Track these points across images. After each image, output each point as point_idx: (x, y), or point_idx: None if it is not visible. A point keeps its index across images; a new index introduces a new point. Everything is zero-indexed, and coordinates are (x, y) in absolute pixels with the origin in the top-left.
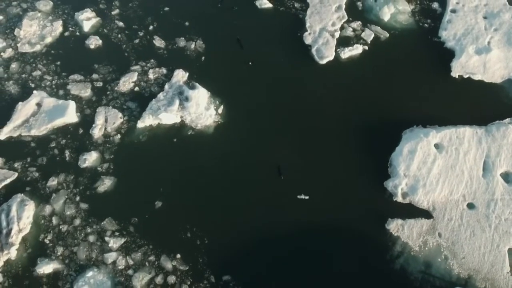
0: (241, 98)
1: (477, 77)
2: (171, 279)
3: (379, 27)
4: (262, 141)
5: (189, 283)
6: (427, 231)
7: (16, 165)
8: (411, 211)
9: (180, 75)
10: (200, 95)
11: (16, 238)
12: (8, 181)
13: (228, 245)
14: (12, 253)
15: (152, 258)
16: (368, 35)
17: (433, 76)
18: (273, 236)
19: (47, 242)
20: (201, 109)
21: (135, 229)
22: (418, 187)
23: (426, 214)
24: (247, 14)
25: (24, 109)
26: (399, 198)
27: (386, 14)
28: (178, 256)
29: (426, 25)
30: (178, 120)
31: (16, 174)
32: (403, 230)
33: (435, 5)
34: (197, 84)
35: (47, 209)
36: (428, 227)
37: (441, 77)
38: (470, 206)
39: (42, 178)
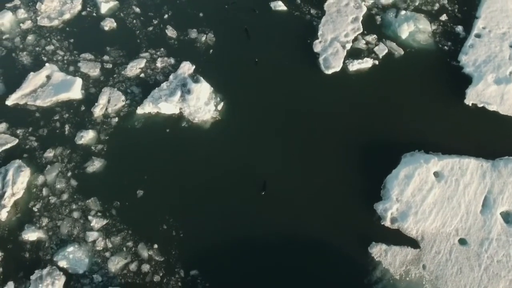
0: (241, 97)
1: (492, 107)
2: (145, 267)
3: (394, 44)
4: (256, 145)
5: (161, 274)
6: (411, 261)
7: (18, 131)
8: (398, 238)
9: (186, 67)
10: (202, 89)
11: (8, 201)
12: (8, 146)
13: (205, 242)
14: (3, 214)
15: (130, 244)
16: (382, 50)
17: (444, 101)
18: (250, 241)
19: (35, 210)
20: (200, 103)
21: (117, 213)
22: (409, 214)
23: (413, 243)
24: (261, 14)
25: (34, 80)
26: (387, 223)
27: (405, 31)
28: (156, 246)
29: (446, 47)
30: (177, 111)
31: (16, 141)
32: (386, 256)
33: (459, 28)
34: (201, 78)
35: (40, 179)
36: (413, 257)
37: (453, 103)
38: (462, 242)
39: (40, 148)
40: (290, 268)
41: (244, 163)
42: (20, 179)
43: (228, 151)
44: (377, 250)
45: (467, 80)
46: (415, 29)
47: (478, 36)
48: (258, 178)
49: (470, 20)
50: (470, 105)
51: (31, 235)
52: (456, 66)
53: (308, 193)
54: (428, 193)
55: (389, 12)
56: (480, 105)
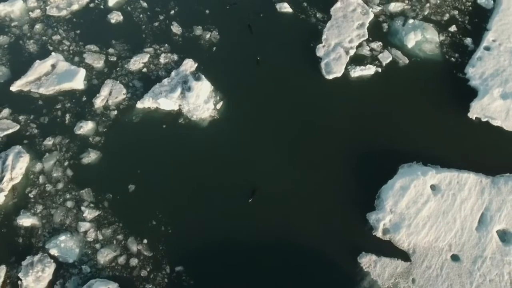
0: (241, 98)
1: (496, 122)
2: (133, 261)
3: (400, 52)
4: (251, 147)
5: (148, 269)
6: (401, 274)
7: (20, 118)
8: (389, 250)
9: (189, 65)
10: (203, 88)
11: (6, 185)
12: (10, 131)
13: (193, 240)
14: (0, 198)
15: (120, 237)
16: (386, 57)
17: (447, 113)
18: (238, 241)
19: (31, 197)
20: (200, 101)
21: (110, 205)
22: (402, 226)
23: (404, 255)
24: (265, 15)
25: (40, 68)
26: (379, 233)
27: (411, 40)
28: (145, 241)
29: (453, 58)
30: (176, 108)
31: (18, 127)
32: (375, 267)
33: (468, 40)
34: (202, 76)
35: (38, 166)
36: (403, 270)
37: (456, 116)
38: (455, 258)
39: (40, 136)
40: (276, 269)
41: (238, 164)
42: (19, 165)
43: (223, 150)
44: (367, 261)
45: (472, 93)
46: (422, 38)
47: (487, 48)
48: (250, 179)
49: (480, 32)
50: (474, 118)
51: (25, 221)
52: (462, 78)
53: (300, 198)
54: (423, 206)
55: (396, 20)
56: (484, 119)
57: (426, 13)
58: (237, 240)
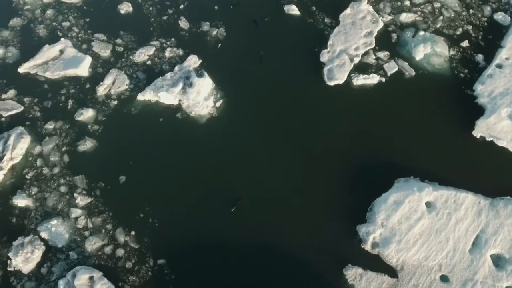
0: (241, 98)
1: (501, 143)
2: (120, 252)
3: (407, 64)
4: (245, 149)
5: (133, 261)
6: None
7: (25, 99)
8: (376, 264)
9: (193, 61)
10: (204, 84)
11: (6, 164)
12: (14, 112)
13: (181, 235)
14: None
15: (109, 226)
16: (391, 67)
17: (450, 129)
18: (224, 242)
19: (28, 178)
20: (200, 98)
21: (101, 194)
22: (392, 241)
23: (391, 271)
24: (273, 15)
25: (48, 52)
26: (367, 246)
27: (420, 52)
28: (133, 233)
29: (461, 74)
30: (176, 102)
31: (22, 108)
32: (361, 280)
33: (479, 57)
34: (205, 73)
35: (37, 148)
36: (389, 286)
37: (460, 133)
38: (444, 278)
39: (42, 119)
40: (260, 269)
41: (230, 165)
42: (19, 145)
43: (218, 148)
44: (352, 273)
45: (479, 111)
46: (431, 51)
47: (499, 66)
48: (240, 181)
49: (493, 49)
50: (478, 137)
51: (20, 201)
52: (470, 95)
53: (292, 205)
54: (416, 223)
55: (407, 30)
56: (488, 139)
57: (438, 26)
58: (223, 241)
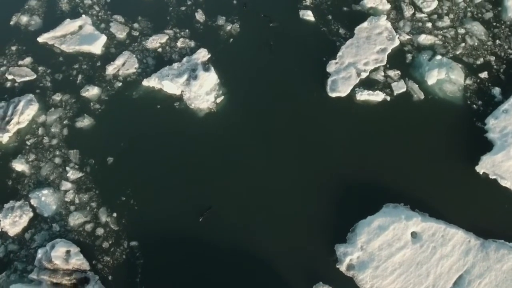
0: (241, 97)
1: (505, 183)
2: (99, 231)
3: (417, 86)
4: (240, 148)
5: (110, 242)
6: None
7: (39, 68)
8: (348, 287)
9: (202, 54)
10: (208, 79)
11: (13, 127)
12: (27, 78)
13: (164, 222)
14: (4, 138)
15: (93, 204)
16: (399, 87)
17: (453, 160)
18: (199, 243)
19: (28, 144)
20: (202, 91)
21: (91, 171)
22: (368, 266)
23: None
24: (286, 19)
25: (68, 26)
26: (342, 267)
27: (433, 77)
28: (115, 214)
29: (474, 106)
30: (178, 92)
31: (35, 76)
32: None
33: (496, 90)
34: (211, 68)
35: (42, 117)
36: None
37: (462, 166)
38: None
39: (51, 90)
40: (228, 274)
41: (219, 162)
42: (27, 111)
43: (209, 143)
44: None
45: (487, 146)
46: (445, 77)
47: None
48: (229, 182)
49: None
50: (481, 173)
51: (18, 165)
52: (480, 128)
53: (274, 214)
54: (397, 251)
55: (423, 53)
56: (492, 177)
57: (458, 52)
58: (200, 238)
